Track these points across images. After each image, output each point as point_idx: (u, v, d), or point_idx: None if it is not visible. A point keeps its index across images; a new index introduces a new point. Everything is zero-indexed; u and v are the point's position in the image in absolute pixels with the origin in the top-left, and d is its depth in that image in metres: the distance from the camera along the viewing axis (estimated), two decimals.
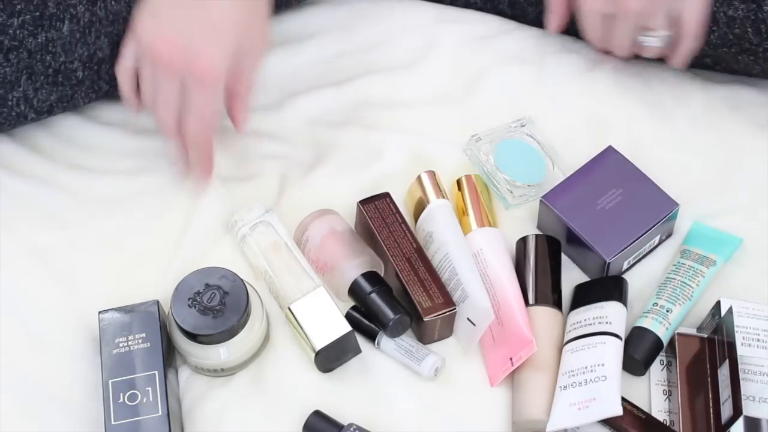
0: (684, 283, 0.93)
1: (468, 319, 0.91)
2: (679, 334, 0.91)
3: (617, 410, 0.85)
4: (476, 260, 0.94)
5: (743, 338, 0.86)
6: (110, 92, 1.04)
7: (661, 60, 1.04)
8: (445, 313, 0.90)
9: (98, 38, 0.98)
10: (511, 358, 0.89)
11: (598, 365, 0.87)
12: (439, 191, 0.97)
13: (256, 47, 0.95)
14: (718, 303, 0.89)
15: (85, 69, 1.00)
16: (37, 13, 0.95)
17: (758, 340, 0.86)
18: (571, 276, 0.97)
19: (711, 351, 0.89)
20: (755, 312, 0.87)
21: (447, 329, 0.93)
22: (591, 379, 0.87)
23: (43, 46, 0.96)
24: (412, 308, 0.91)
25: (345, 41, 1.10)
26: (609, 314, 0.90)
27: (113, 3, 0.98)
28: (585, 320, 0.91)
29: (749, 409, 0.82)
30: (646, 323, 0.91)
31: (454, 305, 0.91)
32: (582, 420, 0.86)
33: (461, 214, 0.97)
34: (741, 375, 0.84)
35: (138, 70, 0.95)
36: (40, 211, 0.98)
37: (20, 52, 0.96)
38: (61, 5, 0.96)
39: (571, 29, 1.08)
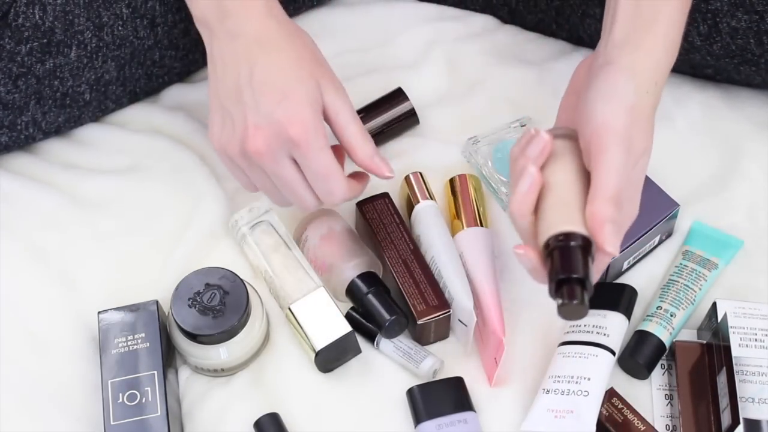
0: (687, 286, 0.93)
1: (459, 320, 0.91)
2: (678, 342, 0.91)
3: (590, 430, 0.85)
4: (461, 261, 0.93)
5: (740, 339, 0.86)
6: (117, 110, 1.05)
7: None
8: (439, 316, 0.90)
9: (105, 62, 0.99)
10: (495, 358, 0.89)
11: (584, 378, 0.87)
12: (426, 192, 0.97)
13: (327, 75, 0.86)
14: (715, 305, 0.89)
15: (92, 91, 1.00)
16: (45, 40, 0.95)
17: (755, 340, 0.86)
18: None
19: (710, 357, 0.89)
20: (752, 312, 0.87)
21: (443, 331, 0.92)
22: (574, 391, 0.87)
23: (51, 72, 0.97)
24: (408, 310, 0.91)
25: (345, 41, 1.10)
26: (609, 325, 0.90)
27: (120, 28, 0.98)
28: (584, 325, 0.91)
29: (748, 411, 0.82)
30: (650, 327, 0.91)
31: (449, 308, 0.91)
32: (556, 428, 0.86)
33: (452, 214, 0.97)
34: (739, 377, 0.84)
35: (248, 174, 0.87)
36: (39, 211, 0.99)
37: (29, 78, 0.96)
38: (68, 32, 0.96)
39: (571, 36, 1.08)
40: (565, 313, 0.75)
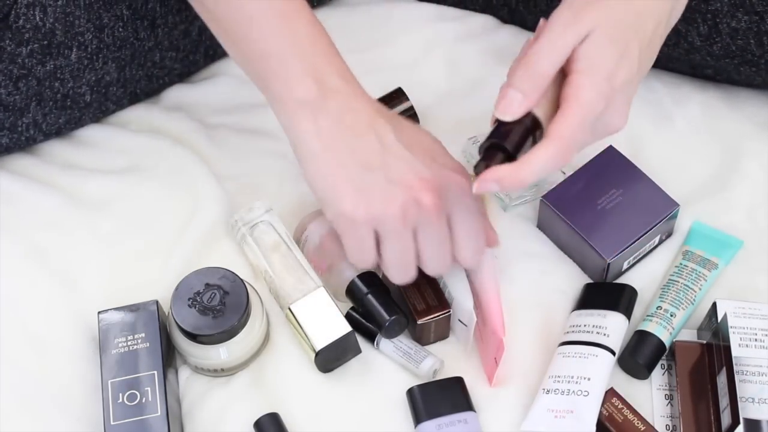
0: (687, 286, 0.93)
1: (459, 320, 0.91)
2: (678, 342, 0.91)
3: (590, 430, 0.85)
4: None
5: (740, 339, 0.86)
6: (117, 111, 1.05)
7: (660, 61, 1.04)
8: (439, 316, 0.90)
9: (105, 63, 0.99)
10: (495, 358, 0.89)
11: (584, 378, 0.87)
12: None
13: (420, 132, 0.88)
14: (715, 305, 0.89)
15: (93, 93, 1.00)
16: (45, 42, 0.95)
17: (755, 340, 0.86)
18: (572, 276, 0.97)
19: (710, 357, 0.89)
20: (752, 312, 0.87)
21: (443, 331, 0.92)
22: (574, 391, 0.87)
23: (51, 74, 0.97)
24: (408, 310, 0.91)
25: (345, 41, 1.09)
26: (609, 325, 0.90)
27: (120, 29, 0.98)
28: (584, 326, 0.91)
29: (748, 411, 0.82)
30: (650, 327, 0.91)
31: (449, 308, 0.91)
32: (556, 428, 0.86)
33: None
34: (739, 377, 0.84)
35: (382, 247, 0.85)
36: (38, 211, 0.99)
37: (29, 79, 0.96)
38: (68, 33, 0.96)
39: None
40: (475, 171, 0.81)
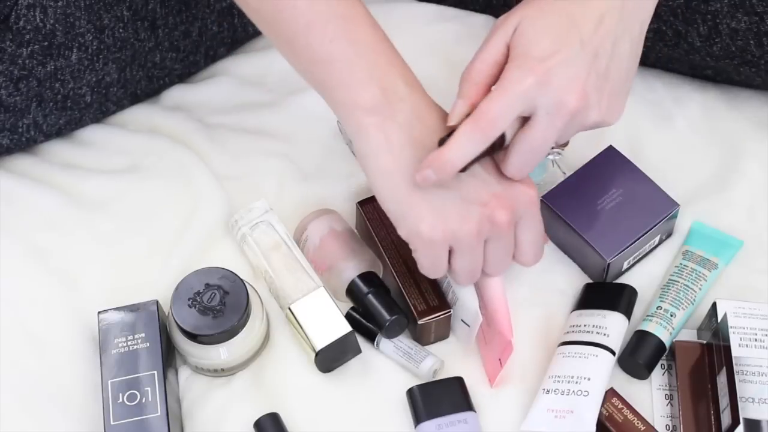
0: (687, 286, 0.93)
1: (462, 320, 0.91)
2: (678, 342, 0.91)
3: (590, 430, 0.85)
4: None
5: (740, 339, 0.86)
6: (117, 112, 1.05)
7: (660, 61, 1.04)
8: (439, 316, 0.90)
9: (106, 64, 0.99)
10: (499, 359, 0.89)
11: (584, 378, 0.87)
12: None
13: None
14: (715, 305, 0.89)
15: (93, 93, 1.00)
16: (46, 43, 0.95)
17: (755, 340, 0.86)
18: (572, 276, 0.97)
19: (710, 357, 0.89)
20: (752, 312, 0.87)
21: (444, 331, 0.92)
22: (574, 391, 0.87)
23: (52, 75, 0.97)
24: (408, 310, 0.91)
25: None
26: (609, 325, 0.90)
27: (120, 30, 0.98)
28: (584, 326, 0.91)
29: (748, 411, 0.82)
30: (650, 327, 0.91)
31: (449, 308, 0.91)
32: (556, 428, 0.86)
33: None
34: (739, 377, 0.84)
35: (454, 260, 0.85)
36: (39, 211, 0.99)
37: (30, 80, 0.96)
38: (69, 34, 0.96)
39: None
40: None
